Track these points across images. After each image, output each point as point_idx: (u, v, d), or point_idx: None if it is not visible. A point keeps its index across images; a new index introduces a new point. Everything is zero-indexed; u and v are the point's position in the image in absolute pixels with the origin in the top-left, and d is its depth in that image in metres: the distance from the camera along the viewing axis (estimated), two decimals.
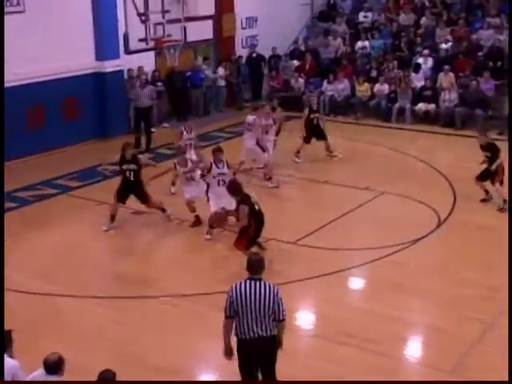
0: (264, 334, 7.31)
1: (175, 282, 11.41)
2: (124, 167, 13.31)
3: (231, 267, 11.46)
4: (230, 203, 12.21)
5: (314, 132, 17.14)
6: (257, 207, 11.23)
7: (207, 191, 12.98)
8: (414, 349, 9.67)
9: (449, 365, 8.87)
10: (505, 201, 13.80)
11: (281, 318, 7.36)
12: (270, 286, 7.38)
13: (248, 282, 7.38)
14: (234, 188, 11.48)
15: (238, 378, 7.74)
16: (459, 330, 9.65)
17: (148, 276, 11.70)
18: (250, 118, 16.24)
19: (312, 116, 17.12)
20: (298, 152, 17.08)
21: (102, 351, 9.31)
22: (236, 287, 7.38)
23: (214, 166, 12.75)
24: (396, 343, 9.52)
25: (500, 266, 11.37)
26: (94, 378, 6.82)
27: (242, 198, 11.23)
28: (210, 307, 10.22)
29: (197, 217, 13.46)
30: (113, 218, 13.35)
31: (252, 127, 16.01)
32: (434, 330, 9.86)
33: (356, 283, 11.52)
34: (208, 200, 12.90)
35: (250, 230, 11.14)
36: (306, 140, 17.12)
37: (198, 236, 12.99)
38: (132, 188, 13.41)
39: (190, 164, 13.69)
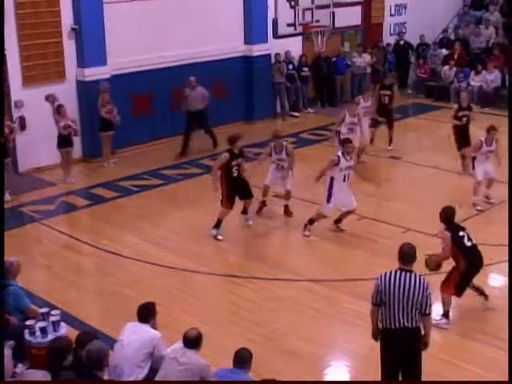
0: (409, 325, 7.29)
1: (311, 267, 11.49)
2: (233, 163, 12.21)
3: (369, 256, 11.50)
4: (351, 203, 12.16)
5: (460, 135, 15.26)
6: (469, 243, 9.48)
7: (330, 186, 12.18)
8: None
9: None
10: None
11: (427, 312, 7.32)
12: (419, 279, 7.33)
13: (398, 272, 7.36)
14: (448, 214, 9.61)
15: (371, 366, 7.74)
16: None
17: (285, 260, 11.86)
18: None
19: (461, 114, 15.27)
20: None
21: (238, 330, 9.50)
22: (385, 276, 7.38)
23: (342, 158, 12.08)
24: None
25: None
26: (228, 355, 7.03)
27: (451, 227, 9.56)
28: (345, 294, 10.32)
29: (264, 202, 13.36)
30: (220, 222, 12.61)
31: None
32: None
33: (494, 280, 11.08)
34: (330, 196, 12.17)
35: (458, 269, 9.52)
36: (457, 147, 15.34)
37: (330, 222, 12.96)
38: (239, 186, 12.46)
39: (283, 152, 12.97)
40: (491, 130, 13.42)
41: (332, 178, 12.11)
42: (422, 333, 7.44)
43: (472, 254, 9.46)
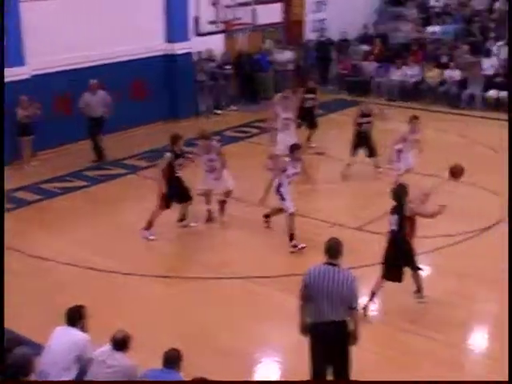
0: (336, 319, 7.32)
1: (243, 264, 11.46)
2: (176, 163, 12.24)
3: (299, 252, 11.55)
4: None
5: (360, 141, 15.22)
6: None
7: (278, 189, 11.90)
8: (476, 338, 9.61)
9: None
10: None
11: (353, 305, 7.37)
12: (346, 273, 7.38)
13: (325, 266, 7.39)
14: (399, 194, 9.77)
15: (304, 364, 7.75)
16: None
17: (216, 258, 11.81)
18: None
19: (364, 120, 15.16)
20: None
21: (169, 330, 9.42)
22: (313, 271, 7.41)
23: (290, 166, 11.89)
24: (459, 332, 9.45)
25: None
26: (160, 356, 6.94)
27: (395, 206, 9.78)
28: (276, 290, 10.35)
29: (210, 211, 12.98)
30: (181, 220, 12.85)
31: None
32: (502, 321, 9.69)
33: (423, 271, 11.36)
34: (282, 199, 11.89)
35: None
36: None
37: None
38: (177, 187, 12.43)
39: (213, 152, 12.60)
40: (413, 119, 13.90)
41: (280, 184, 11.87)
42: (351, 326, 7.47)
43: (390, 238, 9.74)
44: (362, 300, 9.18)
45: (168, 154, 12.24)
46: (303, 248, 11.61)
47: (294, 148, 12.10)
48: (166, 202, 12.27)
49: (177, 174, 12.22)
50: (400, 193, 9.67)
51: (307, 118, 16.70)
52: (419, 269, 9.93)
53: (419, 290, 9.99)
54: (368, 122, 15.09)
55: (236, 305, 10.17)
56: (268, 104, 15.94)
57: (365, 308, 9.67)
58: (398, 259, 9.67)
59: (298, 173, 12.13)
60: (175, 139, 12.30)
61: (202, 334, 9.35)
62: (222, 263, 11.54)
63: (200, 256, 11.88)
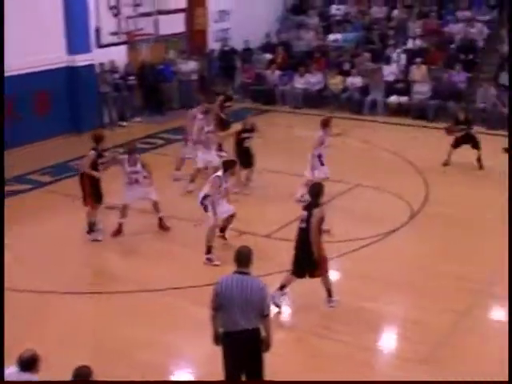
0: (249, 327, 7.32)
1: (153, 277, 11.32)
2: (99, 161, 12.41)
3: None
4: (229, 208, 12.11)
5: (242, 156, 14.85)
6: (302, 224, 9.92)
7: (203, 201, 11.87)
8: (387, 340, 9.74)
9: (422, 355, 8.93)
10: None
11: (265, 313, 7.37)
12: (257, 281, 7.39)
13: (236, 275, 7.39)
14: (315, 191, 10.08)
15: (218, 374, 7.71)
16: (433, 321, 9.73)
17: (129, 271, 11.64)
18: None
19: (246, 135, 15.03)
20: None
21: (83, 347, 9.22)
22: (223, 280, 7.39)
23: (223, 180, 11.84)
24: (370, 335, 9.56)
25: (472, 256, 11.53)
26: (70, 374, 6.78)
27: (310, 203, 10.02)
28: (187, 301, 10.29)
29: (121, 224, 12.75)
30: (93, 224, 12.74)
31: None
32: (408, 322, 9.92)
33: (331, 276, 11.50)
34: (206, 210, 11.84)
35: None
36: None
37: (180, 231, 12.95)
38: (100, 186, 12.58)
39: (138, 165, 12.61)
40: (327, 122, 14.18)
41: (206, 196, 11.79)
42: (263, 334, 7.48)
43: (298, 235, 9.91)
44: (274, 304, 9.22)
45: (92, 152, 12.27)
46: (216, 265, 11.38)
47: (229, 165, 12.04)
48: (95, 198, 12.40)
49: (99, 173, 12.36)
50: (317, 191, 9.99)
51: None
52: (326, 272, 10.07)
53: (330, 295, 10.11)
54: (249, 137, 15.00)
55: (146, 317, 10.01)
56: (188, 116, 15.76)
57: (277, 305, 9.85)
58: (305, 257, 9.83)
59: (228, 188, 12.17)
60: (99, 138, 12.38)
61: (119, 348, 9.17)
62: (130, 276, 11.37)
63: (106, 270, 11.68)
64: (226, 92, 17.54)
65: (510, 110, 18.43)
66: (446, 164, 16.15)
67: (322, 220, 9.75)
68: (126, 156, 12.82)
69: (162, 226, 12.95)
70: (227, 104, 17.19)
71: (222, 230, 12.44)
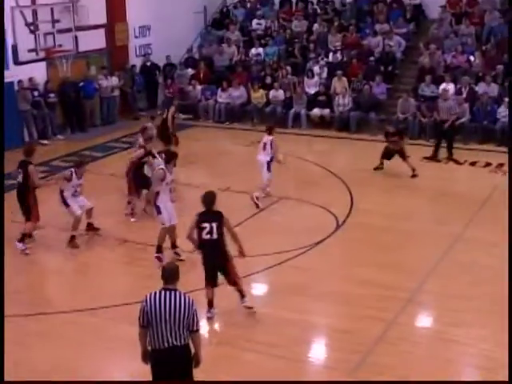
0: (177, 344, 7.24)
1: (72, 297, 11.08)
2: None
3: (132, 280, 11.33)
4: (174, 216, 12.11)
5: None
6: (207, 236, 9.96)
7: (156, 201, 11.96)
8: (316, 351, 9.76)
9: (352, 364, 8.97)
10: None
11: (194, 328, 7.31)
12: (184, 296, 7.32)
13: (163, 292, 7.31)
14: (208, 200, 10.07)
15: None
16: (361, 330, 9.79)
17: (44, 293, 11.42)
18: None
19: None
20: None
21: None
22: (150, 297, 7.30)
23: (167, 172, 12.01)
24: (300, 346, 9.57)
25: (396, 265, 11.67)
26: None
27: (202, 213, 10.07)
28: (110, 320, 10.09)
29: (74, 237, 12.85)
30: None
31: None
32: (337, 331, 9.96)
33: (257, 289, 11.49)
34: (159, 212, 11.98)
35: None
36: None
37: (90, 251, 12.82)
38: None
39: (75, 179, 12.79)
40: (271, 129, 14.98)
41: (158, 193, 11.94)
42: (193, 349, 7.40)
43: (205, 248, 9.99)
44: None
45: (31, 166, 12.57)
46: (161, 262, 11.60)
47: (171, 156, 12.50)
48: (37, 212, 12.70)
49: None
50: (210, 199, 10.01)
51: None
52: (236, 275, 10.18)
53: (243, 296, 10.20)
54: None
55: (66, 340, 9.78)
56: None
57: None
58: (216, 265, 10.04)
59: (173, 180, 12.39)
60: (30, 151, 12.89)
61: (32, 375, 8.84)
62: (48, 298, 11.19)
63: (25, 291, 11.38)
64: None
65: (510, 113, 18.68)
66: (378, 168, 16.55)
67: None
68: (72, 169, 12.98)
69: (93, 228, 13.31)
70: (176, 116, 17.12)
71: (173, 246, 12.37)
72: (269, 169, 14.77)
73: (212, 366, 8.67)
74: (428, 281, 11.21)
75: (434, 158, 17.75)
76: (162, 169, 12.07)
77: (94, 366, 9.17)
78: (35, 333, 10.02)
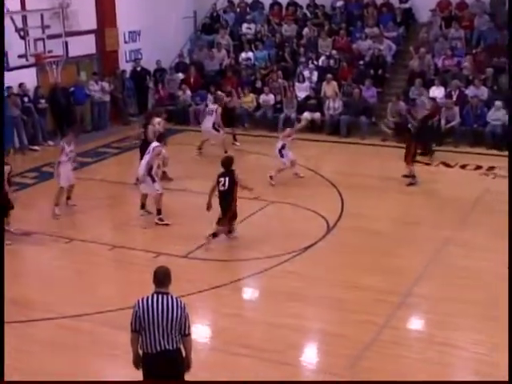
0: (169, 347, 7.22)
1: (63, 303, 11.00)
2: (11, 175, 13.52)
3: (124, 285, 11.30)
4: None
5: None
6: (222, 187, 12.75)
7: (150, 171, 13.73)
8: (309, 355, 9.75)
9: (344, 369, 8.96)
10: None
11: (186, 332, 7.29)
12: (176, 300, 7.30)
13: (155, 295, 7.28)
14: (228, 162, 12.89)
15: None
16: (353, 334, 9.78)
17: (35, 299, 11.31)
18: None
19: None
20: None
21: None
22: (142, 301, 7.27)
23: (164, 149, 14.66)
24: (292, 351, 9.54)
25: (387, 268, 11.68)
26: None
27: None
28: (103, 326, 10.05)
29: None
30: None
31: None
32: (329, 336, 9.95)
33: (249, 294, 11.51)
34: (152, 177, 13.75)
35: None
36: None
37: (81, 254, 12.76)
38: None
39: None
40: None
41: (151, 167, 13.80)
42: (184, 354, 7.39)
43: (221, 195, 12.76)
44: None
45: (8, 167, 13.25)
46: (167, 225, 13.62)
47: (163, 137, 14.86)
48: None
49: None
50: (228, 162, 12.89)
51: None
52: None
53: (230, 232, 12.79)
54: None
55: (59, 346, 9.72)
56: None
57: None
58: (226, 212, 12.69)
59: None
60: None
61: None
62: (40, 304, 11.05)
63: (16, 297, 11.34)
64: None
65: (510, 114, 18.70)
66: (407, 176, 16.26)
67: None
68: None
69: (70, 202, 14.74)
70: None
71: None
72: (282, 155, 16.37)
73: (204, 371, 8.66)
74: (420, 284, 11.21)
75: (425, 154, 17.71)
76: (159, 146, 14.13)
77: (87, 370, 9.12)
78: (30, 339, 9.97)
